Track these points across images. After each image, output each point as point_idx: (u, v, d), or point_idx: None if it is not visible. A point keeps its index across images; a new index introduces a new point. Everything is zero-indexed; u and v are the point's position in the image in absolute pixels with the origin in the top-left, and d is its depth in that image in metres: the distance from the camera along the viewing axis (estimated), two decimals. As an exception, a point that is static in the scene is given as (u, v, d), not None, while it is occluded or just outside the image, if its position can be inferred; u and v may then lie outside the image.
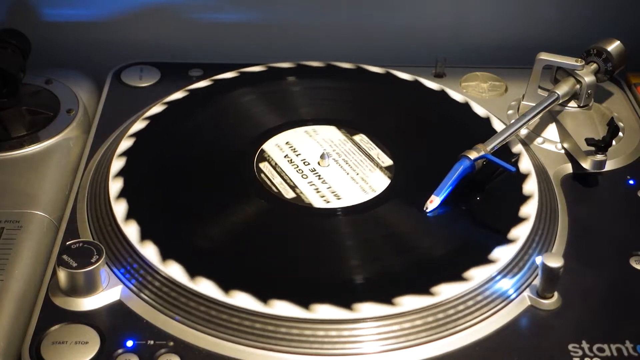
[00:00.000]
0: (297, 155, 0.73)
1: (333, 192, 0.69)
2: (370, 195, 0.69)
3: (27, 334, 0.58)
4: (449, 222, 0.66)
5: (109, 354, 0.56)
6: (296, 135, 0.75)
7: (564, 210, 0.69)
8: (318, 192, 0.69)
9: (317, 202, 0.68)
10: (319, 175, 0.71)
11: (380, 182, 0.70)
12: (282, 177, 0.70)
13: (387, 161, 0.73)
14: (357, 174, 0.71)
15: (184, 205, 0.67)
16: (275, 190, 0.69)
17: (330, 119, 0.78)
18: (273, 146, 0.74)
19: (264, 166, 0.71)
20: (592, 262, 0.65)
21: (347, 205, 0.68)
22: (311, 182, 0.70)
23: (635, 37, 0.82)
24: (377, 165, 0.72)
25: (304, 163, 0.72)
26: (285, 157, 0.72)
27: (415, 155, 0.74)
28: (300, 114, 0.78)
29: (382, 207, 0.68)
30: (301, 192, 0.69)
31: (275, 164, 0.71)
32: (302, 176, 0.70)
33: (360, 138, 0.75)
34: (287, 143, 0.74)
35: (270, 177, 0.70)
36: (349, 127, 0.77)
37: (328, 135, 0.76)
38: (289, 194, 0.68)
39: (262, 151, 0.73)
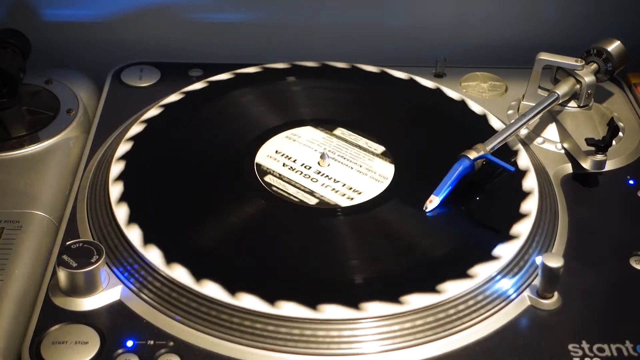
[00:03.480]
0: (293, 161, 0.72)
1: (350, 189, 0.69)
2: (385, 183, 0.70)
3: (27, 334, 0.58)
4: (450, 220, 0.66)
5: (109, 354, 0.56)
6: (281, 142, 0.74)
7: (564, 210, 0.69)
8: (337, 192, 0.69)
9: (342, 202, 0.68)
10: (328, 176, 0.71)
11: (385, 169, 0.71)
12: (294, 186, 0.70)
13: (379, 148, 0.73)
14: (361, 166, 0.72)
15: (185, 208, 0.67)
16: (296, 199, 0.68)
17: (326, 119, 0.78)
18: (266, 158, 0.72)
19: (271, 179, 0.70)
20: (592, 262, 0.65)
21: (371, 197, 0.68)
22: (324, 184, 0.70)
23: (635, 37, 0.82)
24: (373, 153, 0.73)
25: (305, 167, 0.72)
26: (284, 165, 0.72)
27: (414, 154, 0.74)
28: (296, 114, 0.78)
29: (383, 207, 0.68)
30: (322, 196, 0.68)
31: (280, 175, 0.71)
32: (312, 180, 0.70)
33: (341, 132, 0.76)
34: (277, 152, 0.73)
35: (283, 189, 0.69)
36: (326, 124, 0.77)
37: (310, 136, 0.76)
38: (310, 200, 0.68)
39: (259, 165, 0.71)
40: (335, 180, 0.70)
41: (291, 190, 0.69)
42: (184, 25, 0.93)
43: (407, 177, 0.71)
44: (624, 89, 0.86)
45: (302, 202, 0.68)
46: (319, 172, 0.71)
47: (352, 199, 0.68)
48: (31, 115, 0.79)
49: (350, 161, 0.72)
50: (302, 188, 0.69)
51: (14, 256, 0.64)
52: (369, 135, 0.76)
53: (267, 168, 0.71)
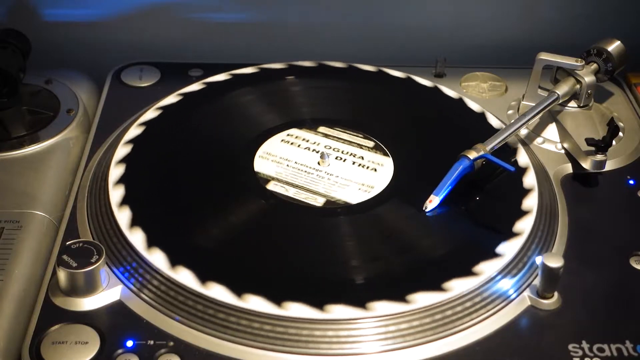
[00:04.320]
0: (294, 161, 0.72)
1: (349, 187, 0.69)
2: (385, 183, 0.70)
3: (27, 334, 0.58)
4: (452, 220, 0.66)
5: (109, 354, 0.56)
6: (279, 143, 0.74)
7: (564, 210, 0.69)
8: (337, 191, 0.69)
9: (344, 198, 0.68)
10: (327, 176, 0.71)
11: (385, 169, 0.72)
12: (294, 185, 0.69)
13: (379, 147, 0.74)
14: (361, 165, 0.72)
15: (185, 208, 0.67)
16: (296, 199, 0.68)
17: (324, 118, 0.78)
18: (266, 157, 0.72)
19: (270, 178, 0.70)
20: (592, 262, 0.65)
21: (370, 197, 0.68)
22: (324, 183, 0.70)
23: (635, 37, 0.82)
24: (373, 152, 0.73)
25: (305, 167, 0.72)
26: (284, 164, 0.72)
27: (413, 153, 0.74)
28: (295, 114, 0.78)
29: (382, 207, 0.68)
30: (324, 195, 0.68)
31: (280, 174, 0.70)
32: (311, 180, 0.70)
33: (342, 132, 0.76)
34: (277, 152, 0.73)
35: (283, 188, 0.69)
36: (325, 124, 0.77)
37: (309, 137, 0.75)
38: (311, 200, 0.68)
39: (259, 164, 0.71)
40: (335, 179, 0.70)
41: (291, 190, 0.69)
42: (184, 25, 0.93)
43: (407, 177, 0.71)
44: (624, 89, 0.85)
45: (303, 202, 0.68)
46: (319, 172, 0.71)
47: (368, 191, 0.68)
48: (31, 115, 0.79)
49: (350, 160, 0.73)
50: (303, 187, 0.69)
51: (14, 256, 0.64)
52: (369, 134, 0.76)
53: (267, 167, 0.71)
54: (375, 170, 0.72)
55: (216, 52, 0.92)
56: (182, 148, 0.73)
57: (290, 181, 0.70)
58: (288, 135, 0.75)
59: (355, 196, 0.69)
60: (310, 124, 0.77)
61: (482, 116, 0.77)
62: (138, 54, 0.89)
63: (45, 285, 0.61)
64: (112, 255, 0.62)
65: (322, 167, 0.72)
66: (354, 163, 0.72)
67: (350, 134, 0.76)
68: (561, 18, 0.94)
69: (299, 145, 0.74)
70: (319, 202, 0.68)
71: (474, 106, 0.79)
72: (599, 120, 0.77)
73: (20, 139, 0.76)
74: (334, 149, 0.74)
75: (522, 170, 0.71)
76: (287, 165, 0.72)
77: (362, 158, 0.73)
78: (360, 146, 0.75)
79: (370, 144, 0.75)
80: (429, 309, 0.58)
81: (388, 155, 0.73)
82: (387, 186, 0.70)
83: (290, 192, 0.69)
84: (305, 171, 0.71)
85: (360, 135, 0.76)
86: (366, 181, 0.70)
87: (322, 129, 0.76)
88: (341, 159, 0.73)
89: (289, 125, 0.77)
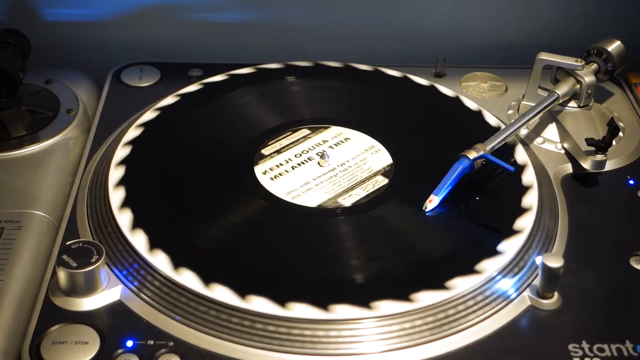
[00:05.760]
0: (294, 161, 0.72)
1: (351, 188, 0.70)
2: (385, 183, 0.70)
3: (27, 334, 0.58)
4: (452, 219, 0.66)
5: (109, 354, 0.56)
6: (281, 143, 0.74)
7: (564, 210, 0.69)
8: (336, 191, 0.69)
9: (343, 201, 0.68)
10: (327, 176, 0.71)
11: (385, 169, 0.72)
12: (300, 188, 0.70)
13: (379, 148, 0.74)
14: (361, 166, 0.72)
15: (185, 209, 0.67)
16: (297, 200, 0.68)
17: (322, 118, 0.78)
18: (266, 157, 0.72)
19: (271, 179, 0.70)
20: (592, 262, 0.65)
21: (371, 197, 0.68)
22: (324, 183, 0.70)
23: (635, 37, 0.82)
24: (372, 153, 0.74)
25: (305, 167, 0.72)
26: (284, 165, 0.72)
27: (411, 152, 0.74)
28: (293, 114, 0.78)
29: (382, 207, 0.68)
30: (323, 195, 0.69)
31: (280, 174, 0.70)
32: (312, 180, 0.70)
33: (342, 132, 0.76)
34: (277, 151, 0.73)
35: (283, 188, 0.69)
36: (325, 124, 0.77)
37: (310, 136, 0.76)
38: (311, 201, 0.68)
39: (259, 165, 0.71)
40: (334, 180, 0.70)
41: (291, 189, 0.69)
42: (184, 25, 0.93)
43: (407, 177, 0.71)
44: (624, 89, 0.86)
45: (303, 202, 0.68)
46: (319, 172, 0.71)
47: (352, 198, 0.68)
48: (31, 115, 0.79)
49: (351, 161, 0.73)
50: (302, 187, 0.69)
51: (14, 256, 0.64)
52: (369, 134, 0.76)
53: (267, 168, 0.71)
54: (375, 169, 0.72)
55: (216, 52, 0.92)
56: (182, 149, 0.73)
57: (291, 180, 0.70)
58: (289, 134, 0.76)
59: (355, 195, 0.69)
60: (309, 123, 0.77)
61: (479, 114, 0.77)
62: (138, 54, 0.89)
63: (45, 285, 0.61)
64: (112, 255, 0.62)
65: (323, 167, 0.72)
66: (355, 162, 0.72)
67: (366, 138, 0.76)
68: (561, 18, 0.94)
69: (299, 145, 0.74)
70: (319, 201, 0.68)
71: (471, 104, 0.79)
72: (599, 120, 0.77)
73: (20, 139, 0.76)
74: (335, 149, 0.74)
75: (522, 172, 0.70)
76: (287, 165, 0.72)
77: (363, 158, 0.73)
78: (361, 146, 0.75)
79: (371, 143, 0.75)
80: (429, 308, 0.58)
81: (388, 155, 0.73)
82: (387, 186, 0.70)
83: (290, 192, 0.69)
84: (306, 171, 0.71)
85: (361, 135, 0.76)
86: (366, 180, 0.70)
87: (320, 128, 0.77)
88: (342, 159, 0.73)
89: (288, 125, 0.77)
